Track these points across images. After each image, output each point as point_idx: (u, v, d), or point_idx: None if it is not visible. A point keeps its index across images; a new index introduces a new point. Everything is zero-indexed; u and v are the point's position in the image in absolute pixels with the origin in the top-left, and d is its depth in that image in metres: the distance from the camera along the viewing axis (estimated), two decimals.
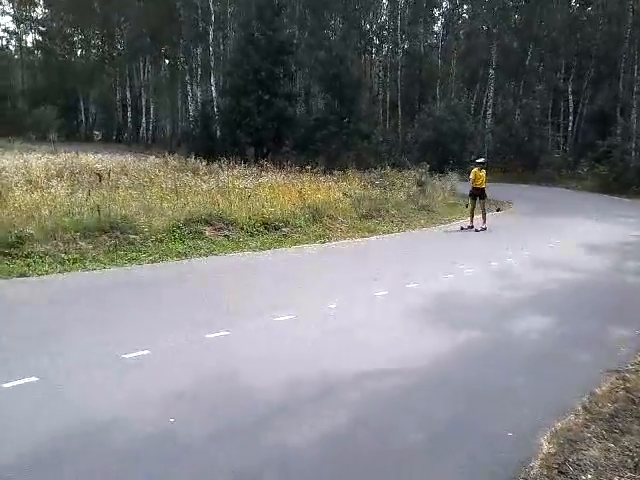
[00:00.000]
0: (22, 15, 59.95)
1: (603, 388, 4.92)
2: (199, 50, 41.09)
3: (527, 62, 42.24)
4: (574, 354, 5.88)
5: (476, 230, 14.59)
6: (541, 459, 3.75)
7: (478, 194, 15.03)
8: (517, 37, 43.14)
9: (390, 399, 4.60)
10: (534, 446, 3.92)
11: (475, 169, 15.22)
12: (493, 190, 22.39)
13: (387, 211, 15.92)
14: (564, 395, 4.79)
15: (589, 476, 3.56)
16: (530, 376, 5.25)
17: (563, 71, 40.16)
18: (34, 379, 4.50)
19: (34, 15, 60.36)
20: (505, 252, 11.56)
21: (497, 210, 15.18)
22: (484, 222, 14.87)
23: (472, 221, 14.97)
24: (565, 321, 6.97)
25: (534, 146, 36.43)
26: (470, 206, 15.15)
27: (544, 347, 6.02)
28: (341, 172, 20.47)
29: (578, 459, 3.74)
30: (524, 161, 35.59)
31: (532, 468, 3.64)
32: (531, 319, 6.92)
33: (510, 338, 6.25)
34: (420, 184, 20.06)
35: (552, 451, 3.85)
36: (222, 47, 42.62)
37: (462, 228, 14.92)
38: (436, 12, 52.45)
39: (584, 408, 4.52)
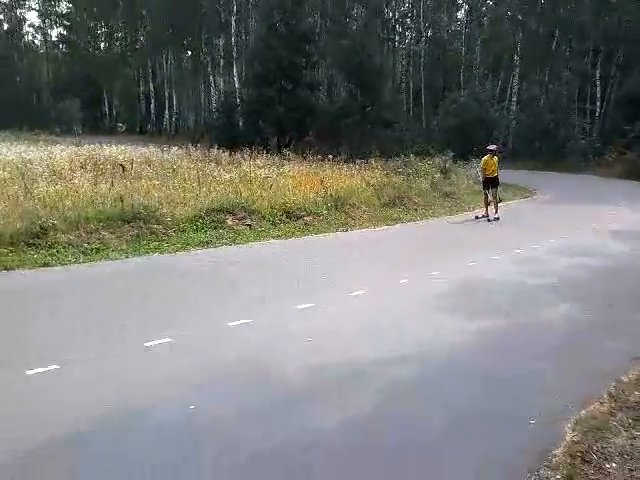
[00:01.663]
0: (47, 10, 60.61)
1: (630, 376, 4.81)
2: (221, 41, 41.17)
3: (553, 47, 41.51)
4: (600, 341, 5.76)
5: (488, 220, 14.17)
6: (564, 447, 3.68)
7: (490, 183, 14.50)
8: (542, 22, 42.38)
9: (421, 383, 4.58)
10: (557, 434, 3.85)
11: (486, 157, 14.59)
12: (518, 177, 22.25)
13: (410, 199, 15.76)
14: (589, 382, 4.71)
15: (614, 464, 3.48)
16: (554, 362, 5.16)
17: (590, 56, 39.35)
18: (55, 366, 4.54)
19: (59, 10, 61.03)
20: (530, 240, 11.37)
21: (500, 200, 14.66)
22: (496, 211, 14.41)
23: (487, 211, 14.50)
24: (590, 307, 6.84)
25: (560, 132, 35.81)
26: (484, 195, 14.76)
27: (569, 333, 5.92)
28: (364, 161, 20.34)
29: (603, 447, 3.66)
30: (550, 148, 35.02)
31: (555, 456, 3.57)
32: (556, 305, 6.81)
33: (533, 324, 6.15)
34: (444, 172, 19.88)
35: (576, 439, 3.77)
36: (244, 37, 42.63)
37: (477, 217, 14.52)
38: None
39: (610, 396, 4.43)
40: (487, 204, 14.60)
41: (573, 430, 3.90)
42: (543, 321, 6.28)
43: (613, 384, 4.63)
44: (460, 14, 52.52)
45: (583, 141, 35.52)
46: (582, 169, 32.01)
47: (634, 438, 3.77)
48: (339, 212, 13.35)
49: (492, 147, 14.85)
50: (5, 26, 59.54)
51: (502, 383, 4.70)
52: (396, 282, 7.62)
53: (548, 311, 6.60)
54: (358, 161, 20.11)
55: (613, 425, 3.96)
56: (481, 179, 15.09)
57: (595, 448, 3.65)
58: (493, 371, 4.91)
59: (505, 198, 15.32)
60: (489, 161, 14.47)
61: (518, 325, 6.10)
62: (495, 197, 14.53)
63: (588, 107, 38.73)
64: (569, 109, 37.56)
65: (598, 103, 38.45)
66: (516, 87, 41.07)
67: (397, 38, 50.92)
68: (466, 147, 25.58)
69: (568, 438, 3.79)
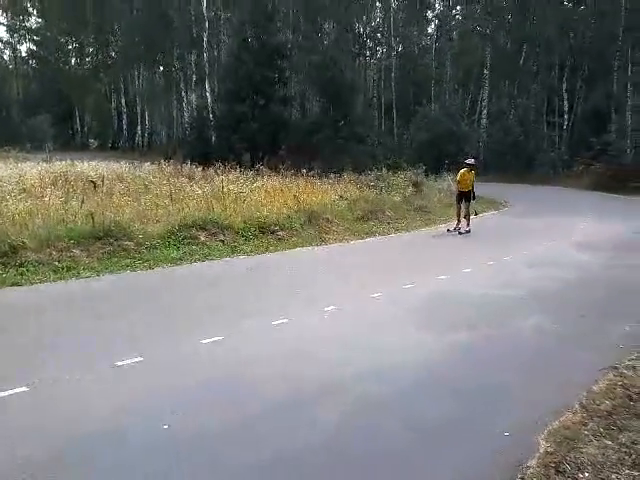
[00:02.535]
0: (16, 25, 59.94)
1: (600, 385, 4.87)
2: (193, 56, 41.11)
3: (521, 62, 42.29)
4: (570, 351, 5.83)
5: (459, 233, 14.24)
6: (538, 458, 3.70)
7: (464, 196, 14.51)
8: (510, 37, 43.22)
9: (396, 395, 4.58)
10: (531, 445, 3.87)
11: (463, 170, 14.58)
12: (489, 190, 22.49)
13: (383, 213, 15.87)
14: (561, 393, 4.76)
15: (587, 474, 3.52)
16: (526, 374, 5.21)
17: (557, 70, 40.19)
18: (24, 389, 4.45)
19: (28, 25, 60.39)
20: (501, 252, 11.51)
21: (475, 214, 14.65)
22: (468, 225, 14.45)
23: (459, 224, 14.52)
24: (559, 318, 6.93)
25: (529, 145, 36.48)
26: (457, 209, 14.70)
27: (539, 345, 6.00)
28: (337, 175, 20.43)
29: (576, 457, 3.69)
30: (520, 160, 35.61)
31: (529, 467, 3.59)
32: (527, 316, 6.89)
33: (504, 336, 6.21)
34: (416, 185, 20.05)
35: (550, 450, 3.80)
36: (216, 53, 42.66)
37: (448, 230, 14.55)
38: (429, 14, 52.55)
39: (581, 406, 4.48)
40: (459, 216, 14.61)
41: (546, 441, 3.92)
42: (514, 333, 6.34)
43: (584, 394, 4.69)
44: (430, 29, 53.32)
45: (552, 153, 36.22)
46: (552, 181, 32.58)
47: (606, 447, 3.82)
48: (313, 226, 13.35)
49: (470, 161, 14.84)
50: None
51: (475, 395, 4.72)
52: (368, 296, 7.62)
53: (519, 323, 6.67)
54: (331, 175, 20.20)
55: (585, 435, 4.00)
56: (455, 192, 15.05)
57: (568, 458, 3.67)
58: (465, 384, 4.94)
59: (476, 211, 15.45)
60: (466, 174, 14.47)
61: (490, 337, 6.15)
62: (467, 211, 14.57)
63: (556, 120, 39.49)
64: (538, 122, 38.25)
65: (565, 116, 39.25)
66: (486, 101, 41.69)
67: (368, 53, 51.42)
68: (437, 161, 25.92)
69: (542, 449, 3.82)
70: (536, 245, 12.57)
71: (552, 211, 19.69)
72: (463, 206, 14.54)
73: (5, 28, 60.75)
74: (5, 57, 64.59)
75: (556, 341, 6.13)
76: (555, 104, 40.03)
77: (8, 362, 5.05)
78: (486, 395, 4.74)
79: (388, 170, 21.32)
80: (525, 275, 9.42)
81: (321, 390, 4.69)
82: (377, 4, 50.58)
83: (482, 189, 19.95)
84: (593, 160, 31.09)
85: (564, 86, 39.03)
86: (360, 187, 18.44)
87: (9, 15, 59.44)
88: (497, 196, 23.10)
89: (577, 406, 4.47)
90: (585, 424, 4.16)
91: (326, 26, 46.15)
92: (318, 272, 9.70)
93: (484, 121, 41.33)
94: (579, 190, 29.23)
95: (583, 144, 33.64)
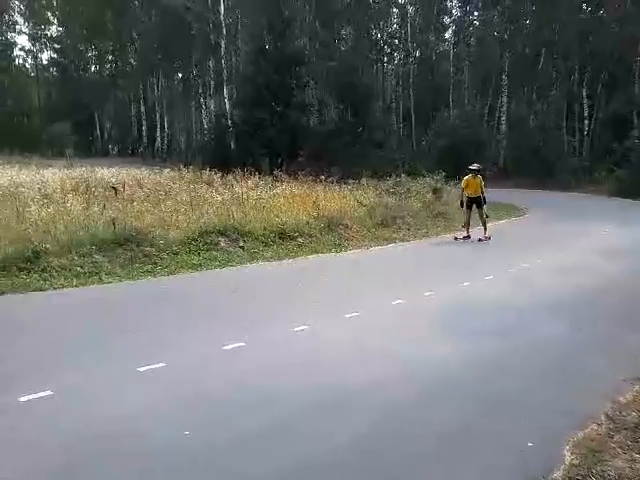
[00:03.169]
0: (37, 33, 60.86)
1: (627, 396, 4.80)
2: (211, 63, 41.37)
3: (540, 67, 42.03)
4: (595, 361, 5.75)
5: (479, 240, 13.93)
6: (564, 470, 3.65)
7: (475, 203, 14.21)
8: (529, 42, 42.96)
9: (414, 403, 4.55)
10: (556, 457, 3.81)
11: (468, 176, 14.19)
12: (509, 196, 22.41)
13: (402, 219, 15.81)
14: (586, 404, 4.68)
15: None
16: (549, 383, 5.15)
17: (577, 75, 39.88)
18: (49, 392, 4.49)
19: (49, 33, 61.35)
20: (522, 259, 11.40)
21: (486, 216, 14.31)
22: (485, 231, 14.18)
23: (468, 231, 14.25)
24: (581, 326, 6.87)
25: (550, 151, 36.16)
26: (465, 216, 14.32)
27: (562, 353, 5.94)
28: (355, 181, 20.42)
29: (602, 470, 3.63)
30: (540, 167, 35.31)
31: None
32: (548, 324, 6.82)
33: (527, 344, 6.15)
34: (435, 191, 19.94)
35: (575, 462, 3.74)
36: (234, 59, 42.88)
37: (456, 238, 14.20)
38: (447, 19, 52.42)
39: (607, 417, 4.40)
40: (468, 224, 14.30)
41: (572, 452, 3.86)
42: (537, 341, 6.26)
43: (609, 405, 4.61)
44: (447, 34, 53.14)
45: (573, 159, 35.87)
46: (573, 187, 32.27)
47: (633, 460, 3.75)
48: (332, 233, 13.36)
49: (474, 167, 14.36)
50: None
51: (497, 404, 4.68)
52: (390, 303, 7.60)
53: (542, 330, 6.60)
54: (350, 181, 20.19)
55: (611, 447, 3.93)
56: (462, 199, 14.55)
57: (594, 471, 3.61)
58: (487, 392, 4.89)
59: (496, 217, 15.27)
60: (471, 180, 14.15)
61: (512, 345, 6.08)
62: (482, 217, 14.36)
63: (576, 125, 39.15)
64: (558, 128, 37.94)
65: (586, 122, 38.89)
66: (505, 107, 41.45)
67: (386, 59, 51.44)
68: (457, 167, 25.71)
69: (567, 461, 3.76)
70: (557, 252, 12.43)
71: (573, 218, 19.48)
72: (477, 213, 14.35)
73: (27, 37, 61.81)
74: (27, 65, 65.71)
75: (579, 349, 6.06)
76: (575, 109, 39.66)
77: (33, 366, 5.10)
78: (509, 403, 4.69)
79: (407, 176, 21.24)
80: (547, 282, 9.32)
81: (344, 393, 4.69)
82: (394, 10, 50.56)
83: (502, 195, 19.95)
84: (615, 166, 30.73)
85: (584, 91, 38.69)
86: (379, 193, 18.40)
87: (31, 24, 60.36)
88: (517, 202, 22.96)
89: (603, 417, 4.40)
90: (611, 436, 4.10)
91: (343, 32, 46.22)
92: (338, 279, 9.68)
93: (503, 127, 41.12)
94: (601, 196, 28.92)
95: (605, 150, 33.29)
